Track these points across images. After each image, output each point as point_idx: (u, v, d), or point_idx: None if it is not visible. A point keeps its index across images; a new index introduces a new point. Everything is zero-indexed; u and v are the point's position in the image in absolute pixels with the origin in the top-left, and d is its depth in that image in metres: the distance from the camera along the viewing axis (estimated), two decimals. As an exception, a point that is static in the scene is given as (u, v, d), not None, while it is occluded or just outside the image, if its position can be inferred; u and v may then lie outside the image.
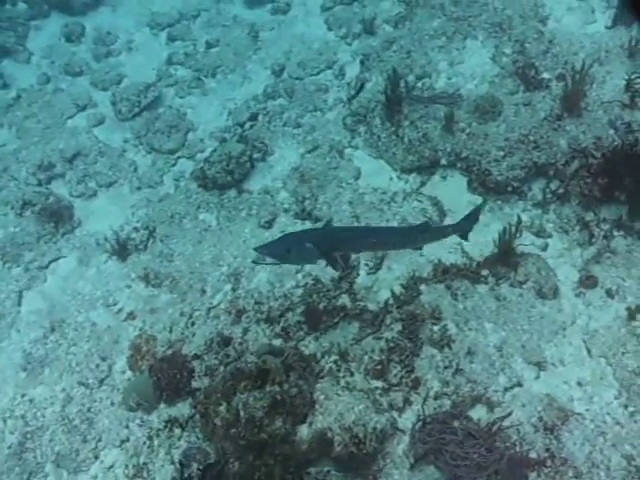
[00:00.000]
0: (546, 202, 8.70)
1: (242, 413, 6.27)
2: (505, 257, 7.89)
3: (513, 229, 7.75)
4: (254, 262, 6.32)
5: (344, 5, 11.74)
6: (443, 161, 9.18)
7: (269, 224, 8.89)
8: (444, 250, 8.25)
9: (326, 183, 9.17)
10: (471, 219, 7.00)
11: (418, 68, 10.01)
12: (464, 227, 6.96)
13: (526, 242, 8.11)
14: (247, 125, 10.22)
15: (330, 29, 11.47)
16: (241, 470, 6.33)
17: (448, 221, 8.65)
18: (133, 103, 10.64)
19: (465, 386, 6.94)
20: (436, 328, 7.33)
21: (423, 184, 9.14)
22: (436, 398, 6.86)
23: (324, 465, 6.46)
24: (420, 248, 6.79)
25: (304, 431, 6.44)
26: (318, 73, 10.81)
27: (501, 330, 7.41)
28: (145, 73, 11.37)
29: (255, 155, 9.64)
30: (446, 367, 7.07)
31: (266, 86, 10.74)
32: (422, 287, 7.73)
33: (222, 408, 6.41)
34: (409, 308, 7.50)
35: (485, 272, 7.91)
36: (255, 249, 6.01)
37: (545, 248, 8.33)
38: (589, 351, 7.32)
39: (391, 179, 9.23)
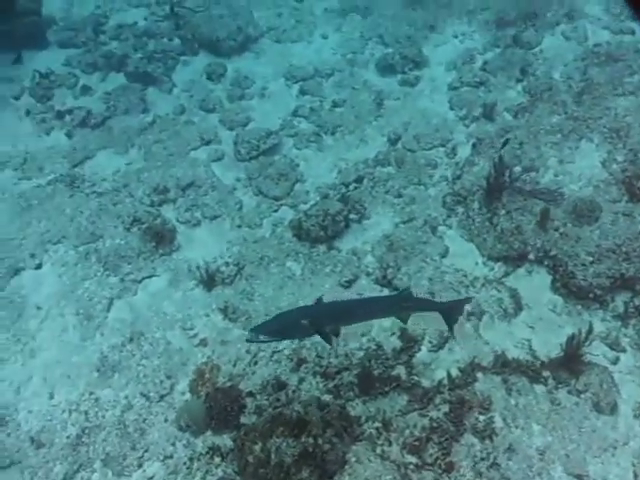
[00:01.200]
0: (627, 316, 8.63)
1: (273, 456, 6.60)
2: (570, 363, 7.91)
3: (583, 336, 7.78)
4: (248, 340, 6.57)
5: (470, 87, 12.11)
6: (531, 256, 9.27)
7: (349, 284, 9.24)
8: (511, 343, 8.35)
9: (412, 256, 9.44)
10: (457, 307, 7.21)
11: (527, 160, 10.20)
12: (447, 311, 7.08)
13: (596, 352, 8.09)
14: (352, 186, 10.66)
15: (452, 108, 11.84)
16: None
17: (523, 316, 8.74)
18: (252, 146, 11.33)
19: (495, 483, 7.00)
20: (482, 418, 7.44)
21: (507, 274, 9.24)
22: (465, 487, 6.97)
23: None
24: (406, 320, 6.91)
25: (325, 487, 6.69)
26: (431, 148, 11.15)
27: (548, 434, 7.42)
28: (271, 120, 12.07)
29: (352, 216, 10.04)
30: (483, 459, 7.16)
31: (379, 152, 11.17)
32: (479, 375, 7.87)
33: (257, 447, 6.77)
34: (460, 392, 7.64)
35: (546, 373, 7.96)
36: (251, 330, 6.35)
37: (615, 362, 8.25)
38: (636, 476, 7.19)
39: (476, 264, 9.40)
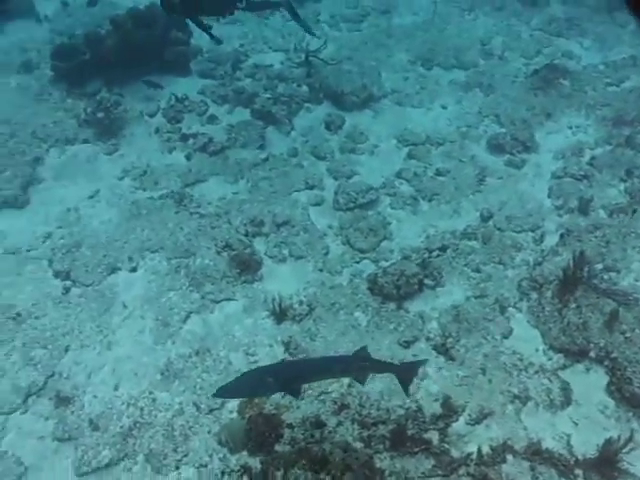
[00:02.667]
0: (676, 432, 8.56)
1: (290, 486, 7.08)
2: (604, 466, 7.94)
3: (622, 442, 7.82)
4: (214, 395, 7.06)
5: (573, 179, 12.29)
6: (592, 354, 9.33)
7: (407, 345, 9.61)
8: (550, 434, 8.47)
9: (475, 330, 9.72)
10: (412, 369, 7.48)
11: (610, 260, 10.28)
12: (403, 374, 7.32)
13: (637, 462, 8.08)
14: (435, 253, 11.04)
15: (550, 196, 12.04)
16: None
17: (569, 410, 8.82)
18: (351, 198, 11.95)
19: None
20: (500, 499, 7.61)
21: (564, 367, 9.33)
22: None
23: None
24: (363, 381, 7.18)
25: (335, 528, 7.07)
26: (520, 231, 11.38)
27: (567, 532, 7.50)
28: (374, 177, 12.67)
29: (427, 281, 10.43)
30: (493, 540, 7.33)
31: (469, 226, 11.52)
32: (509, 457, 8.03)
33: (279, 473, 7.26)
34: (486, 470, 7.84)
35: (578, 471, 8.01)
36: (215, 393, 6.83)
37: (654, 476, 8.20)
38: None
39: (536, 350, 9.53)
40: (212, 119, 14.07)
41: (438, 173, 12.75)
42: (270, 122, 13.93)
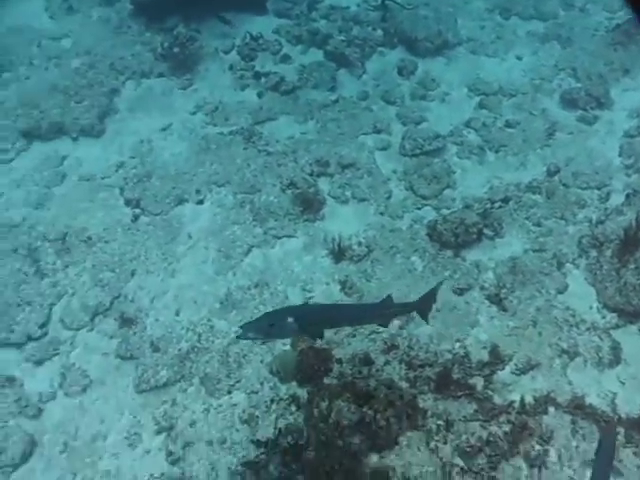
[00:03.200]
0: None
1: (333, 415, 7.38)
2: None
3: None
4: (237, 337, 7.08)
5: (646, 138, 12.05)
6: (646, 316, 9.33)
7: (461, 292, 9.74)
8: (595, 390, 8.54)
9: (530, 283, 9.78)
10: (429, 299, 7.43)
11: (675, 224, 10.12)
12: (422, 306, 7.40)
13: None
14: (497, 204, 11.04)
15: (620, 155, 11.81)
16: (313, 460, 7.45)
17: (617, 370, 8.84)
18: (418, 144, 11.98)
19: (529, 511, 7.36)
20: (538, 448, 7.75)
21: (617, 327, 9.33)
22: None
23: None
24: (387, 325, 7.36)
25: (373, 459, 7.37)
26: (585, 188, 11.25)
27: None
28: (443, 125, 12.64)
29: (486, 231, 10.47)
30: (525, 485, 7.54)
31: (534, 179, 11.45)
32: (551, 409, 8.16)
33: (323, 404, 7.58)
34: (526, 419, 7.99)
35: (619, 429, 8.07)
36: (241, 327, 6.67)
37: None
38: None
39: (590, 308, 9.55)
40: (285, 59, 14.18)
41: (507, 125, 12.62)
42: (342, 64, 13.97)
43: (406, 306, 7.75)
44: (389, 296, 7.18)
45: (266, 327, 6.48)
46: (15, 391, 9.24)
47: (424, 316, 7.52)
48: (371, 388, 7.77)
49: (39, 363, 9.58)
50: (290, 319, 6.46)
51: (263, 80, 13.58)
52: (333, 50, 14.08)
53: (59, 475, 8.53)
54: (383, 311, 7.14)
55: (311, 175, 11.59)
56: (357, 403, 7.53)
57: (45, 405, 9.20)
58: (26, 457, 8.67)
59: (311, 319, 6.75)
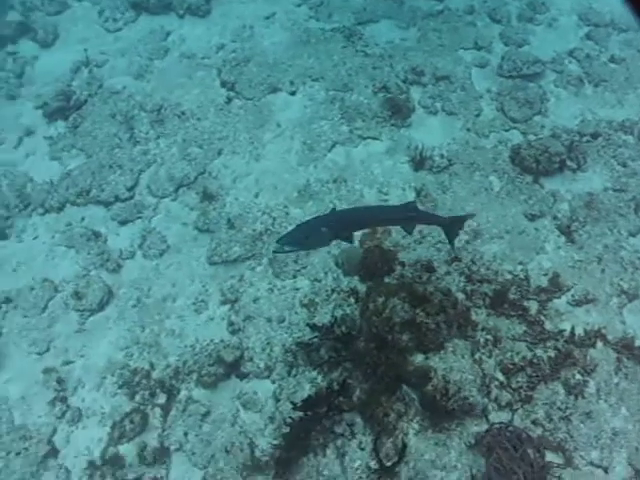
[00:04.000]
0: None
1: (387, 311, 7.79)
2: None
3: None
4: (274, 252, 7.33)
5: None
6: None
7: (532, 218, 9.86)
8: (646, 331, 8.68)
9: (602, 221, 9.81)
10: (458, 221, 7.59)
11: None
12: (449, 226, 7.53)
13: None
14: (585, 138, 10.94)
15: None
16: (362, 350, 7.93)
17: None
18: (516, 66, 11.87)
19: (558, 433, 7.70)
20: (579, 377, 8.03)
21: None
22: (533, 421, 7.75)
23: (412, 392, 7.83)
24: (411, 231, 7.41)
25: (418, 358, 7.79)
26: (680, 136, 11.04)
27: (631, 422, 7.83)
28: (545, 50, 12.40)
29: (569, 163, 10.45)
30: (559, 409, 7.82)
31: (628, 119, 11.24)
32: (599, 343, 8.37)
33: (379, 299, 7.98)
34: (573, 348, 8.25)
35: (664, 373, 8.27)
36: (277, 242, 6.83)
37: None
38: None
39: (661, 255, 9.58)
40: (398, -37, 14.01)
41: (612, 60, 12.30)
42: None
43: (433, 217, 7.91)
44: (413, 202, 7.35)
45: (302, 238, 6.73)
46: (99, 245, 9.97)
47: (450, 238, 7.69)
48: (427, 292, 8.10)
49: (123, 223, 10.25)
50: (323, 228, 6.72)
51: (374, -18, 13.48)
52: (446, -41, 13.79)
53: (129, 326, 9.27)
54: (407, 214, 7.22)
55: (404, 82, 11.67)
56: (411, 304, 7.88)
57: (124, 262, 9.92)
58: (102, 306, 9.44)
59: (341, 225, 6.94)
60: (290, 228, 7.46)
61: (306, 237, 6.73)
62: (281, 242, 6.76)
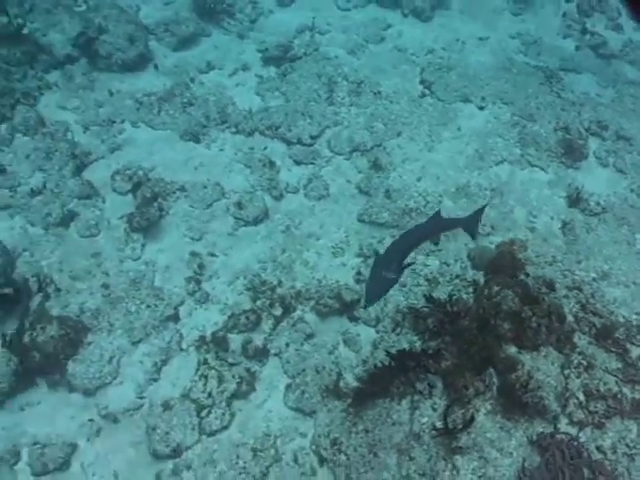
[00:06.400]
0: None
1: (498, 298, 8.53)
2: None
3: None
4: (365, 308, 8.35)
5: None
6: None
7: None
8: None
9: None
10: (475, 217, 7.92)
11: None
12: (469, 224, 7.93)
13: None
14: None
15: None
16: (464, 327, 8.65)
17: None
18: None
19: (617, 466, 7.95)
20: None
21: None
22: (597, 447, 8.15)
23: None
24: (437, 242, 8.04)
25: (511, 349, 8.35)
26: None
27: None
28: None
29: None
30: (627, 445, 8.07)
31: None
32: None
33: (495, 288, 8.69)
34: None
35: None
36: (365, 306, 8.12)
37: None
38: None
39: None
40: (618, 28, 14.67)
41: None
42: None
43: (453, 221, 8.31)
44: (438, 211, 7.83)
45: (378, 291, 7.22)
46: (271, 173, 11.20)
47: (472, 233, 8.21)
48: (540, 297, 8.70)
49: (297, 163, 11.48)
50: (389, 273, 7.17)
51: (587, 37, 14.16)
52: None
53: (272, 245, 10.40)
54: (436, 226, 7.72)
55: (586, 130, 12.24)
56: (522, 300, 8.51)
57: (287, 194, 11.08)
58: (257, 221, 10.65)
59: (393, 261, 7.32)
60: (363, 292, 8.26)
61: (380, 288, 7.21)
62: (368, 305, 7.79)
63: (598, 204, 11.10)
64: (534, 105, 12.52)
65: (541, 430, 8.10)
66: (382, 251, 7.56)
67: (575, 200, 11.02)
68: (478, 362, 8.39)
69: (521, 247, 10.16)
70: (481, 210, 8.20)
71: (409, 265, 7.61)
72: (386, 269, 7.20)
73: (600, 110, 12.67)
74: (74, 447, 8.51)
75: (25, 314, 9.33)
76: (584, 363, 8.69)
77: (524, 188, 11.26)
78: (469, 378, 8.33)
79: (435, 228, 7.80)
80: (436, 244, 8.40)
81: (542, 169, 11.61)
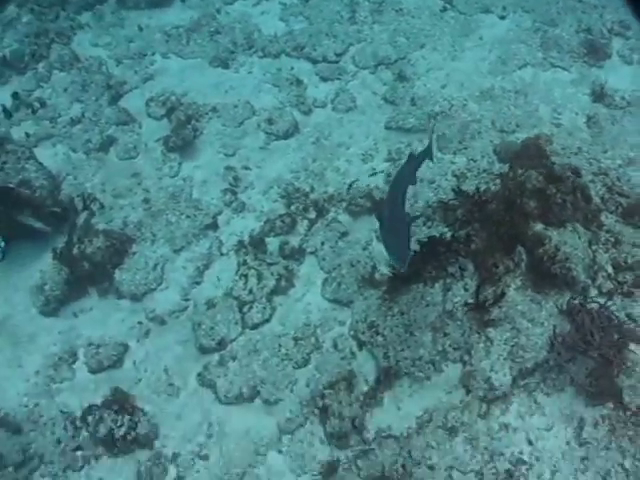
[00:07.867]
0: None
1: (522, 178, 8.82)
2: None
3: None
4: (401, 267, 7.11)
5: None
6: None
7: None
8: None
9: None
10: (429, 146, 8.18)
11: None
12: (428, 152, 8.18)
13: None
14: None
15: None
16: (491, 211, 8.92)
17: None
18: None
19: None
20: None
21: None
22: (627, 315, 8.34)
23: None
24: (415, 182, 7.99)
25: (538, 226, 8.59)
26: None
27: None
28: None
29: None
30: None
31: None
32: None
33: (520, 171, 8.99)
34: None
35: None
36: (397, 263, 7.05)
37: None
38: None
39: None
40: None
41: None
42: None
43: (419, 157, 8.21)
44: (411, 153, 8.18)
45: (405, 242, 7.10)
46: (299, 90, 11.60)
47: (431, 158, 8.43)
48: (564, 175, 8.91)
49: (324, 79, 11.81)
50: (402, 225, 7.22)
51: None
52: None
53: (304, 156, 10.77)
54: (413, 167, 7.93)
55: (609, 31, 12.24)
56: (547, 179, 8.76)
57: (315, 109, 11.44)
58: (287, 135, 11.05)
59: (396, 211, 7.44)
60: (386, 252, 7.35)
61: (402, 241, 7.06)
62: (404, 266, 6.92)
63: (623, 98, 11.15)
64: (555, 11, 12.57)
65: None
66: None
67: (599, 95, 11.10)
68: (507, 242, 8.67)
69: (547, 141, 10.31)
70: (430, 138, 8.67)
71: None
72: (395, 220, 7.25)
73: (622, 11, 12.64)
74: (125, 347, 9.02)
75: (73, 230, 9.87)
76: (612, 240, 8.89)
77: (548, 88, 11.37)
78: (499, 257, 8.61)
79: (412, 169, 7.95)
80: (413, 184, 8.14)
81: (565, 69, 11.69)
